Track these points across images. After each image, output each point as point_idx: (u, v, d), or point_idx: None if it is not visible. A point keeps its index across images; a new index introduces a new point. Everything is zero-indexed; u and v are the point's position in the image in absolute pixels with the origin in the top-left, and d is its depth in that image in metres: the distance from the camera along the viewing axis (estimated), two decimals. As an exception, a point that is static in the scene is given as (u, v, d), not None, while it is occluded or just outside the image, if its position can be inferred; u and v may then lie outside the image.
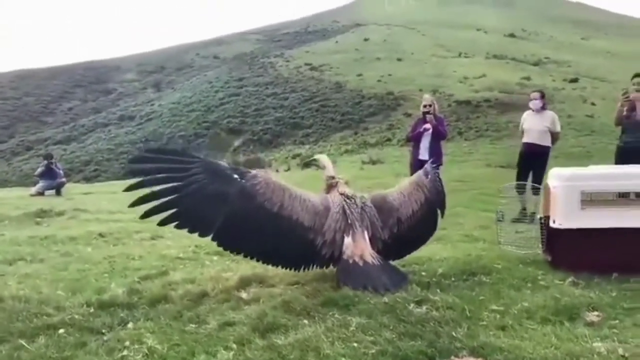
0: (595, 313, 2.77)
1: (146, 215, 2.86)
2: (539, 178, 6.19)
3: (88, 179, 30.57)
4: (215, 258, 4.42)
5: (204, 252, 4.65)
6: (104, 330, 2.69)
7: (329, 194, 3.40)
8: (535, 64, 50.75)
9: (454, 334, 2.50)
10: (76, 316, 2.85)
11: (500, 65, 48.84)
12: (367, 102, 41.78)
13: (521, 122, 7.16)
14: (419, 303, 2.92)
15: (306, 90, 46.12)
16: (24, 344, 2.52)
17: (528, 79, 41.23)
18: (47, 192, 11.64)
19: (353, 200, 3.30)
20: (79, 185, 18.28)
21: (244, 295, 3.13)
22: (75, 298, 3.16)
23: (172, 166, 2.93)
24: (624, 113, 5.77)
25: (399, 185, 3.73)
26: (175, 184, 2.84)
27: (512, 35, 66.90)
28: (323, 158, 3.80)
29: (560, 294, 3.06)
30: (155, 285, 3.41)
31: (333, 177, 3.50)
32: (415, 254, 4.03)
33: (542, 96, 6.92)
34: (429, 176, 3.71)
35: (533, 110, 6.89)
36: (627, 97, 5.74)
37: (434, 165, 6.76)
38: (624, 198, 3.57)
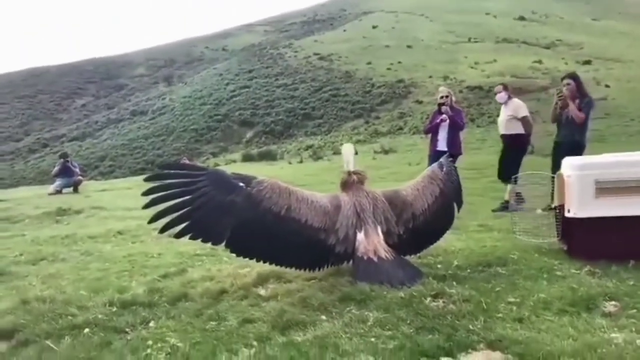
0: (613, 303, 2.76)
1: (162, 230, 2.97)
2: (515, 166, 6.38)
3: (104, 175, 30.92)
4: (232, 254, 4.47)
5: (221, 248, 4.70)
6: (127, 330, 2.74)
7: (343, 192, 3.44)
8: (547, 47, 50.06)
9: (471, 327, 2.51)
10: (100, 316, 2.91)
11: (511, 49, 48.24)
12: (377, 90, 41.58)
13: None
14: (435, 297, 2.94)
15: (316, 81, 46.02)
16: (50, 344, 2.58)
17: (540, 62, 40.70)
18: (64, 190, 11.82)
19: (365, 197, 3.31)
20: (94, 182, 18.50)
21: (262, 291, 3.17)
22: (98, 297, 3.22)
23: (180, 181, 3.03)
24: (558, 111, 6.18)
25: (414, 179, 3.71)
26: (184, 197, 2.95)
27: (522, 18, 65.89)
28: (346, 150, 3.71)
29: (577, 284, 3.05)
30: (174, 283, 3.47)
31: (350, 174, 3.49)
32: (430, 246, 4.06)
33: (505, 88, 7.08)
34: (444, 169, 3.71)
35: (501, 104, 7.10)
36: (560, 96, 6.14)
37: (452, 157, 6.83)
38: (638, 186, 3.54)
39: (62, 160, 12.33)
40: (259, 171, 16.51)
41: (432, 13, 68.89)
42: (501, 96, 6.98)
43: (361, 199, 3.30)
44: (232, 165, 23.60)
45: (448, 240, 4.42)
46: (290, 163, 21.01)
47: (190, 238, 2.98)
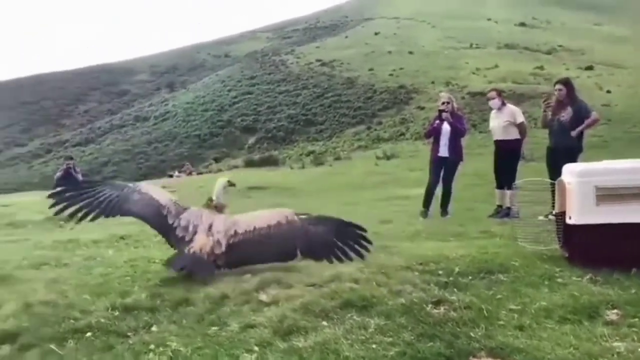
0: (615, 311, 2.76)
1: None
2: (512, 172, 6.56)
3: (107, 180, 30.98)
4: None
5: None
6: (129, 334, 2.76)
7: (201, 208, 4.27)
8: (548, 53, 50.07)
9: (472, 334, 2.52)
10: (102, 320, 2.92)
11: (513, 55, 48.30)
12: (379, 96, 41.66)
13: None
14: (437, 304, 2.95)
15: (318, 87, 46.15)
16: (54, 348, 2.60)
17: (541, 68, 40.72)
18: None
19: (210, 215, 4.11)
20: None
21: (263, 297, 3.18)
22: (101, 302, 3.23)
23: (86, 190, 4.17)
24: (549, 117, 6.40)
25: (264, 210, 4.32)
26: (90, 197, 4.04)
27: (522, 24, 65.99)
28: (217, 184, 4.46)
29: (578, 292, 3.05)
30: (176, 288, 3.48)
31: (210, 201, 4.30)
32: (433, 252, 4.06)
33: (499, 94, 7.10)
34: (303, 222, 3.98)
35: (494, 110, 7.09)
36: (548, 103, 6.41)
37: (454, 163, 6.87)
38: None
39: (65, 164, 12.36)
40: (261, 177, 16.54)
41: (433, 19, 69.08)
42: (495, 102, 6.97)
43: (206, 213, 4.13)
44: (234, 170, 23.61)
45: (450, 247, 4.43)
46: (292, 168, 21.06)
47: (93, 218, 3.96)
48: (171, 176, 21.53)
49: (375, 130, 33.97)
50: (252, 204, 10.05)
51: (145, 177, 30.47)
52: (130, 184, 4.29)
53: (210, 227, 3.99)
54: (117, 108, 59.78)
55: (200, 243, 3.88)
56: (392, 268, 3.68)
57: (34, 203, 10.86)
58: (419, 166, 14.93)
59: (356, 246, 3.78)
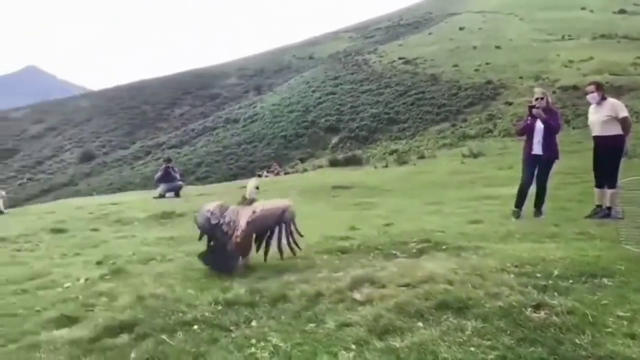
0: None
1: None
2: (614, 170, 6.13)
3: (200, 180, 32.74)
4: (325, 257, 4.58)
5: (313, 250, 4.83)
6: (231, 328, 2.92)
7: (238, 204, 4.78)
8: (652, 41, 45.52)
9: (577, 341, 2.40)
10: (206, 314, 3.13)
11: (610, 45, 44.53)
12: (464, 92, 40.32)
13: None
14: (536, 308, 2.83)
15: (401, 85, 45.56)
16: (165, 339, 2.82)
17: (644, 58, 37.15)
18: (167, 195, 12.72)
19: (244, 209, 4.61)
20: (192, 187, 19.68)
21: (357, 296, 3.23)
22: (204, 296, 3.46)
23: None
24: None
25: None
26: None
27: (622, 12, 60.59)
28: (249, 186, 4.96)
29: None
30: (273, 284, 3.62)
31: (245, 198, 4.79)
32: (528, 253, 3.91)
33: (598, 87, 6.56)
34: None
35: (593, 104, 6.60)
36: None
37: (549, 161, 6.53)
38: None
39: (164, 165, 13.27)
40: (345, 176, 16.66)
41: (521, 11, 65.52)
42: (593, 96, 6.52)
43: (240, 211, 4.61)
44: (319, 170, 23.98)
45: (546, 249, 4.22)
46: (375, 167, 20.93)
47: None
48: (260, 176, 22.29)
49: (461, 127, 32.86)
50: (337, 202, 10.19)
51: (235, 177, 31.80)
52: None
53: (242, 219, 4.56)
54: (209, 111, 62.94)
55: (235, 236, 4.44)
56: (486, 270, 3.59)
57: (138, 202, 11.76)
58: (507, 164, 14.27)
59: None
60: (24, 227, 8.63)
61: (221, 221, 4.57)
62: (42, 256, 5.86)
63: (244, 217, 4.50)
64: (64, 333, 3.02)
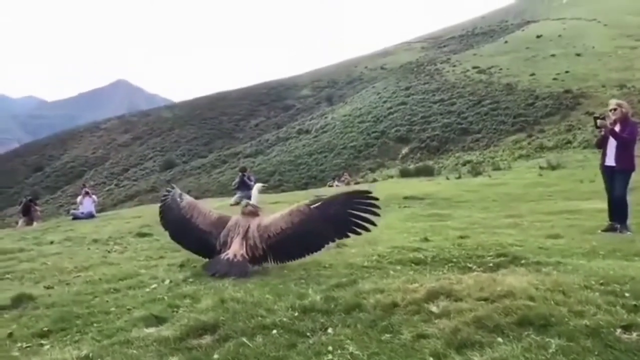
0: None
1: None
2: None
3: (273, 188, 33.56)
4: (398, 267, 4.55)
5: (386, 261, 4.82)
6: (308, 334, 2.98)
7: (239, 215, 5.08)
8: None
9: (676, 368, 2.23)
10: (284, 319, 3.21)
11: None
12: (541, 102, 38.60)
13: None
14: (626, 328, 2.68)
15: (474, 94, 44.39)
16: (246, 341, 2.92)
17: None
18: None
19: (246, 221, 4.92)
20: (266, 195, 20.21)
21: (433, 308, 3.19)
22: (282, 302, 3.55)
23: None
24: None
25: (280, 211, 4.95)
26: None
27: None
28: (254, 190, 5.57)
29: None
30: (347, 293, 3.65)
31: (246, 206, 5.13)
32: (615, 271, 3.74)
33: None
34: (313, 206, 4.69)
35: None
36: None
37: (623, 172, 6.19)
38: None
39: (240, 173, 13.80)
40: (417, 186, 16.36)
41: (606, 17, 61.60)
42: None
43: (242, 222, 4.92)
44: (390, 180, 23.77)
45: (635, 266, 3.96)
46: (447, 178, 20.42)
47: None
48: (331, 186, 22.47)
49: (538, 138, 31.36)
50: (409, 213, 10.03)
51: (306, 185, 32.29)
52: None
53: (246, 232, 4.81)
54: (283, 122, 64.53)
55: (235, 249, 4.72)
56: (569, 286, 3.44)
57: (216, 208, 12.20)
58: (589, 177, 13.42)
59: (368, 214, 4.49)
60: (114, 230, 9.30)
61: (217, 243, 4.89)
62: (130, 257, 6.27)
63: (253, 233, 4.73)
64: (152, 331, 3.21)
